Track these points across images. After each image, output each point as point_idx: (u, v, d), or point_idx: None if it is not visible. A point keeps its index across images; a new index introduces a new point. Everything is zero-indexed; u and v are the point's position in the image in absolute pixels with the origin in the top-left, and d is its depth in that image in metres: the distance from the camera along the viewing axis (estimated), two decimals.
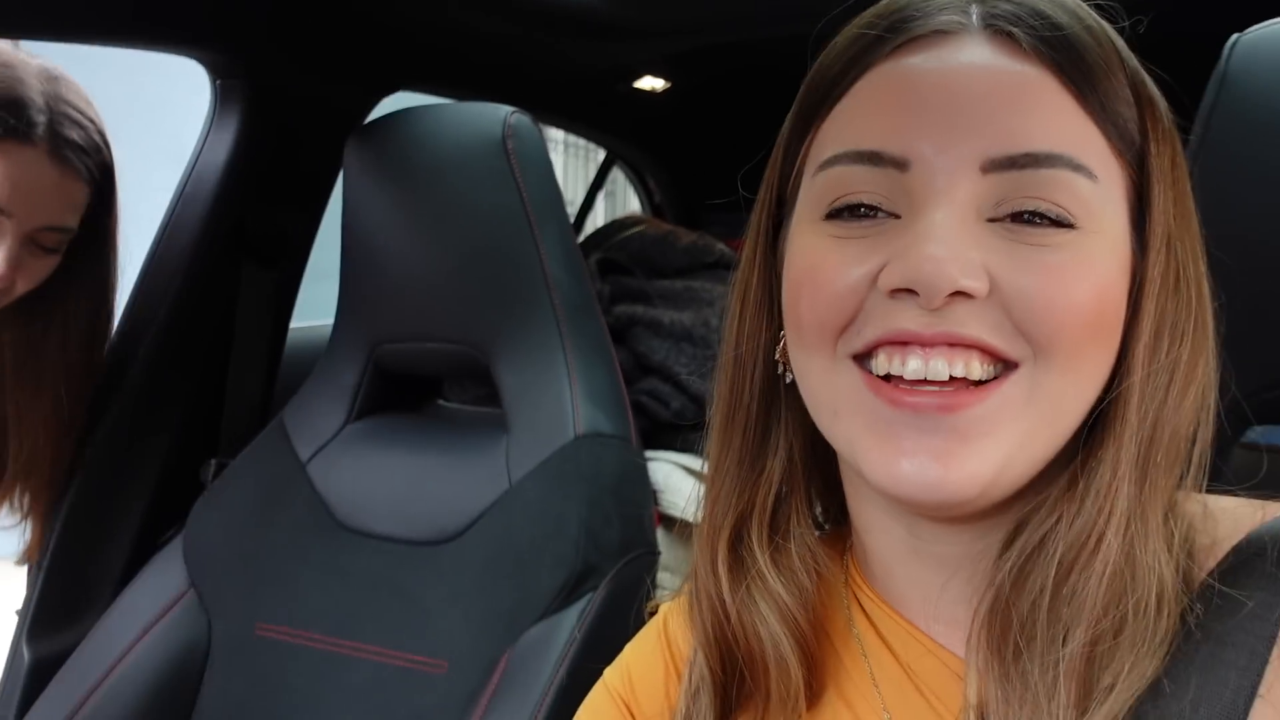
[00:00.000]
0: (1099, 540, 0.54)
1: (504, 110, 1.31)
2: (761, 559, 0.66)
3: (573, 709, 0.78)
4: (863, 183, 0.57)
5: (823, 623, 0.68)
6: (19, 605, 1.46)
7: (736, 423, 0.68)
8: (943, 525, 0.61)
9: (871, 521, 0.66)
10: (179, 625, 1.34)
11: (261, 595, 1.33)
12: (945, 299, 0.54)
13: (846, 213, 0.58)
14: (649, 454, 1.45)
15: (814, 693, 0.66)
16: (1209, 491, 0.59)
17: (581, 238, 2.00)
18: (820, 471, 0.70)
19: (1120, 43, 0.59)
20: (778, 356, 0.66)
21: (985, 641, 0.57)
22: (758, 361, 0.67)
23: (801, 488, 0.69)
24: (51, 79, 1.26)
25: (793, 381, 0.65)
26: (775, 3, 1.67)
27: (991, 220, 0.55)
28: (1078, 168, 0.55)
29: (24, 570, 1.48)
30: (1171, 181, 0.58)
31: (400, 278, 1.37)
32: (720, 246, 1.87)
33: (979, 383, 0.55)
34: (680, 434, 1.57)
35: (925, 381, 0.55)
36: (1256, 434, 0.88)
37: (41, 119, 1.22)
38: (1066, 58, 0.56)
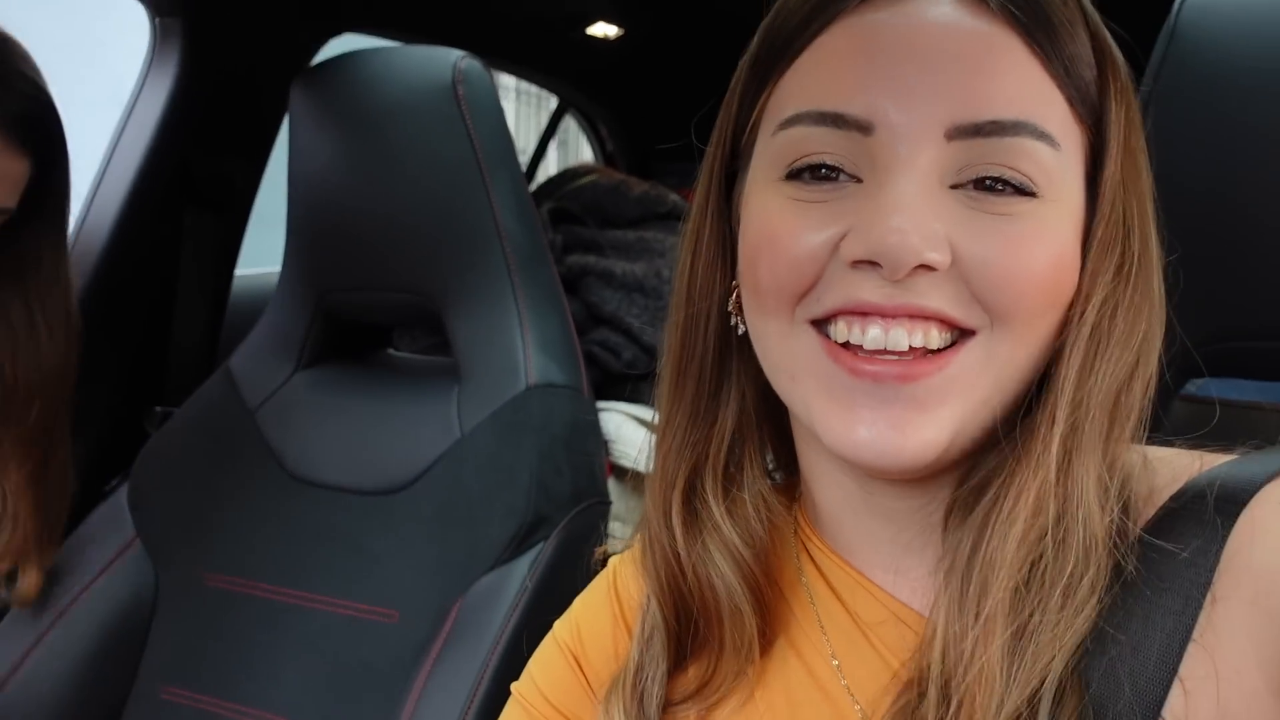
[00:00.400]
0: (1043, 493, 0.55)
1: (454, 54, 1.29)
2: (716, 509, 0.67)
3: (524, 658, 0.78)
4: (824, 144, 0.57)
5: (772, 572, 0.68)
6: None
7: (690, 374, 0.68)
8: (894, 482, 0.62)
9: (822, 474, 0.66)
10: (125, 575, 1.33)
11: (209, 544, 1.32)
12: (908, 272, 0.54)
13: (807, 173, 0.58)
14: (600, 404, 1.45)
15: (766, 641, 0.67)
16: (1149, 443, 0.61)
17: (533, 187, 1.98)
18: (771, 422, 0.70)
19: None
20: (731, 308, 0.66)
21: (948, 599, 0.57)
22: (711, 313, 0.66)
23: (754, 437, 0.69)
24: None
25: (745, 333, 0.65)
26: None
27: (954, 186, 0.55)
28: (1042, 136, 0.55)
29: None
30: (1125, 139, 0.59)
31: (348, 225, 1.34)
32: (673, 197, 1.86)
33: (935, 350, 0.56)
34: (631, 385, 1.57)
35: (884, 351, 0.55)
36: (1194, 387, 0.90)
37: None
38: (1032, 17, 0.56)
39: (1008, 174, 0.55)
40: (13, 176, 1.16)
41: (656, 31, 2.31)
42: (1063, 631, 0.53)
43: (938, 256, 0.54)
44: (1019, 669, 0.52)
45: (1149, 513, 0.57)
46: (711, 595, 0.66)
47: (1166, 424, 0.61)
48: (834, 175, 0.57)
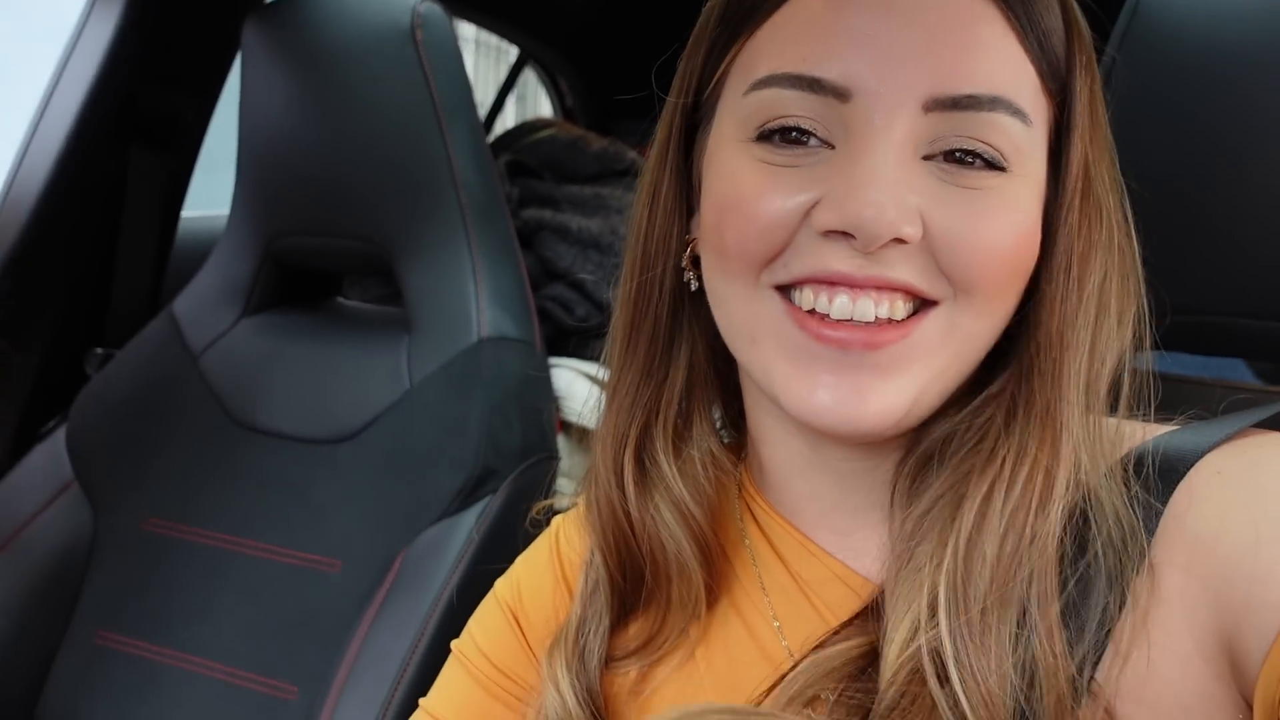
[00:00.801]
0: (1036, 473, 0.56)
1: None
2: (667, 467, 0.67)
3: (469, 609, 0.78)
4: (798, 108, 0.56)
5: (717, 532, 0.68)
6: None
7: (643, 330, 0.67)
8: (846, 443, 0.63)
9: (770, 434, 0.67)
10: (61, 518, 1.31)
11: (149, 489, 1.30)
12: (882, 245, 0.54)
13: (777, 136, 0.57)
14: (552, 360, 1.45)
15: (711, 599, 0.67)
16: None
17: (490, 139, 1.96)
18: (719, 380, 0.70)
19: None
20: (684, 264, 0.66)
21: (898, 561, 0.58)
22: (666, 268, 0.66)
23: (702, 394, 0.69)
24: None
25: (698, 289, 0.65)
26: None
27: (925, 158, 0.55)
28: (1015, 112, 0.55)
29: None
30: (1091, 112, 0.59)
31: (300, 169, 1.32)
32: (631, 154, 1.84)
33: (899, 320, 0.56)
34: (576, 340, 1.56)
35: (850, 320, 0.55)
36: (1138, 362, 0.91)
37: None
38: None
39: (980, 148, 0.55)
40: None
41: None
42: (1010, 595, 0.54)
43: (912, 230, 0.54)
44: (970, 632, 0.53)
45: (1094, 480, 0.58)
46: (659, 550, 0.66)
47: (1111, 397, 0.62)
48: (804, 139, 0.56)
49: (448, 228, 1.28)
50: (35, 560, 1.28)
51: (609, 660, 0.68)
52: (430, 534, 1.16)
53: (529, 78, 2.85)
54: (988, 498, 0.56)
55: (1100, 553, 0.54)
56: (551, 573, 0.75)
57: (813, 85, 0.55)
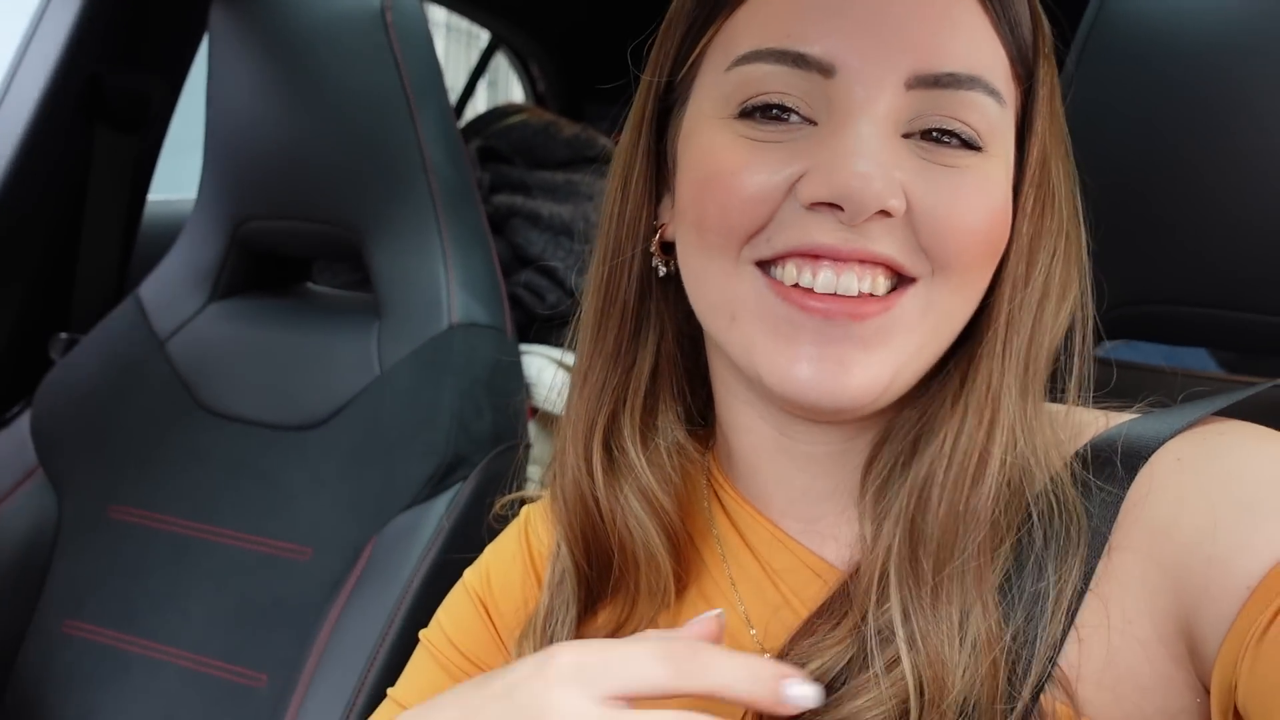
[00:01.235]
0: (966, 444, 0.57)
1: None
2: (634, 454, 0.67)
3: (439, 596, 0.78)
4: (782, 84, 0.56)
5: (685, 521, 0.69)
6: None
7: (612, 317, 0.67)
8: (816, 425, 0.63)
9: (739, 419, 0.67)
10: (25, 505, 1.29)
11: (115, 476, 1.29)
12: (868, 217, 0.54)
13: (759, 113, 0.57)
14: (523, 347, 1.44)
15: (679, 588, 0.67)
16: (1056, 402, 0.63)
17: (461, 124, 1.94)
18: (687, 366, 0.71)
19: None
20: (653, 249, 0.66)
21: (872, 548, 0.59)
22: (636, 254, 0.66)
23: (669, 382, 0.69)
24: None
25: (666, 275, 0.65)
26: None
27: (905, 136, 0.56)
28: (992, 91, 0.56)
29: None
30: (1050, 100, 0.60)
31: (269, 152, 1.30)
32: (603, 141, 1.84)
33: (880, 295, 0.56)
34: (537, 327, 1.56)
35: (833, 294, 0.56)
36: (1099, 350, 0.93)
37: None
38: None
39: (957, 127, 0.55)
40: None
41: None
42: (980, 578, 0.55)
43: (897, 203, 0.54)
44: (941, 616, 0.54)
45: (1056, 465, 0.58)
46: (628, 538, 0.66)
47: (1068, 384, 0.63)
48: (786, 116, 0.57)
49: (418, 213, 1.28)
50: None
51: None
52: (400, 521, 1.16)
53: (500, 63, 2.84)
54: (929, 477, 0.57)
55: (1060, 538, 0.55)
56: (521, 562, 0.75)
57: (797, 60, 0.56)
